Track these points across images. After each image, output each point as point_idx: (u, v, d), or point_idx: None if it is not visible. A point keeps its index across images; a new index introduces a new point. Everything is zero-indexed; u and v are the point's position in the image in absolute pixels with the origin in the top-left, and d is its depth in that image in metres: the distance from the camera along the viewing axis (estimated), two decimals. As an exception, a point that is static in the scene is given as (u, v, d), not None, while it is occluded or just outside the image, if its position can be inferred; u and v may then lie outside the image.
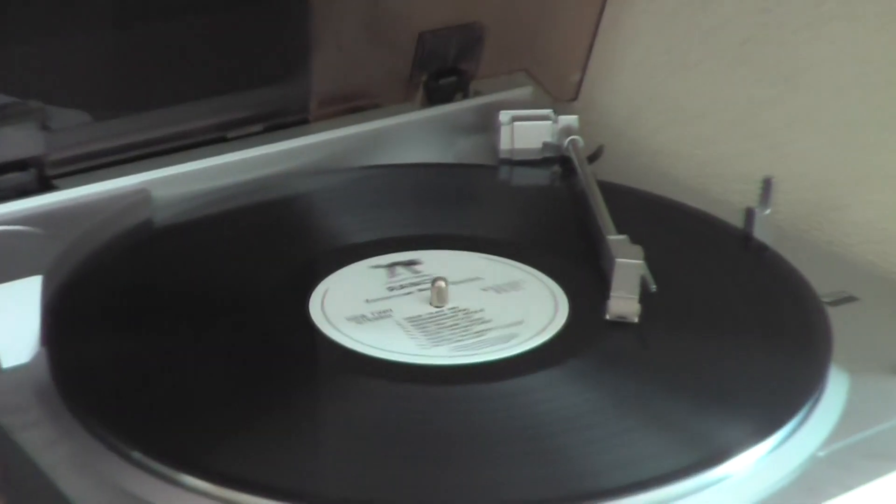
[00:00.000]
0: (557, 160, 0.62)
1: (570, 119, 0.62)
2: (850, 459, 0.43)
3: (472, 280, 0.52)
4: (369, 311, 0.48)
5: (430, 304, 0.50)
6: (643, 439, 0.43)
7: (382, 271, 0.51)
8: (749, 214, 0.55)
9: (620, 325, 0.49)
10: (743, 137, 0.63)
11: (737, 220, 0.56)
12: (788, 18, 0.60)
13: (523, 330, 0.48)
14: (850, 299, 0.51)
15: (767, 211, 0.54)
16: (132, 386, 0.45)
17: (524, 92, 0.67)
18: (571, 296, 0.51)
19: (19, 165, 0.54)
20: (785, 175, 0.59)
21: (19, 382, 0.45)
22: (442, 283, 0.50)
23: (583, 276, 0.52)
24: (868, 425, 0.44)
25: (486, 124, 0.65)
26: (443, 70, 0.65)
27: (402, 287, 0.50)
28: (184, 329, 0.48)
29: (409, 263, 0.51)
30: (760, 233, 0.55)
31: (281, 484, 0.40)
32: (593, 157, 0.62)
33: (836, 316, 0.49)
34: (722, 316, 0.50)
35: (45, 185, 0.55)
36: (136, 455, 0.41)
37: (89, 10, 0.54)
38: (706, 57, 0.64)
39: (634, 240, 0.51)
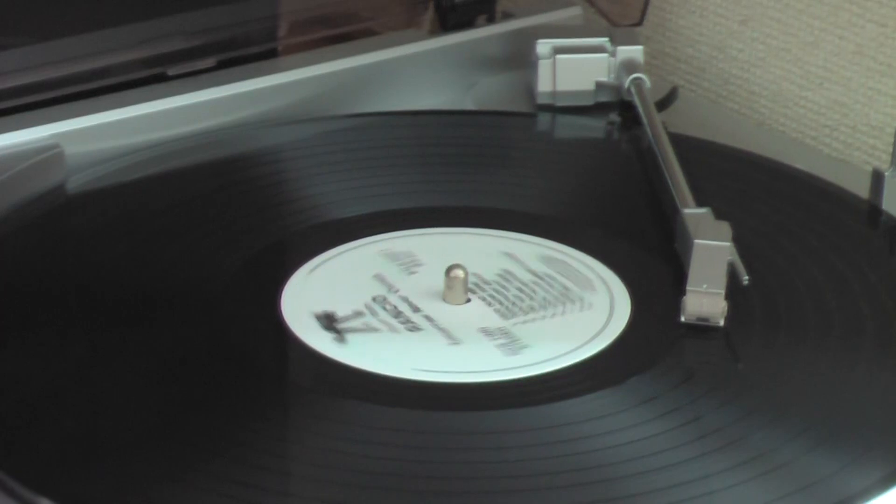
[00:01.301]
0: (615, 106, 0.62)
1: (632, 51, 0.62)
2: None
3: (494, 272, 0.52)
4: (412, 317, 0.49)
5: (444, 299, 0.50)
6: (736, 487, 0.42)
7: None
8: (878, 179, 0.55)
9: (701, 329, 0.49)
10: (871, 73, 0.63)
11: (862, 188, 0.56)
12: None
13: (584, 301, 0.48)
14: None
15: (904, 175, 0.55)
16: (36, 411, 0.45)
17: (571, 13, 0.67)
18: (634, 290, 0.51)
19: None
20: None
21: None
22: (460, 273, 0.50)
23: (649, 264, 0.52)
24: None
25: (519, 58, 0.65)
26: (460, -16, 0.65)
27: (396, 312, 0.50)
28: (109, 334, 0.48)
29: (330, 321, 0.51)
30: (894, 204, 0.54)
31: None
32: (665, 103, 0.62)
33: None
34: (841, 319, 0.50)
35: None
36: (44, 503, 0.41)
37: None
38: (819, -35, 0.64)
39: (720, 214, 0.51)
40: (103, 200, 0.55)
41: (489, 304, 0.50)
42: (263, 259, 0.52)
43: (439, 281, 0.50)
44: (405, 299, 0.50)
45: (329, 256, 0.52)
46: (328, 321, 0.47)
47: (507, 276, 0.51)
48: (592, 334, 0.48)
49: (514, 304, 0.50)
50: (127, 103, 0.59)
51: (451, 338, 0.48)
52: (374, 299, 0.50)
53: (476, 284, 0.50)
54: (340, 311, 0.48)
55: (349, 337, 0.47)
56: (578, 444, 0.44)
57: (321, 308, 0.49)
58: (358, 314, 0.48)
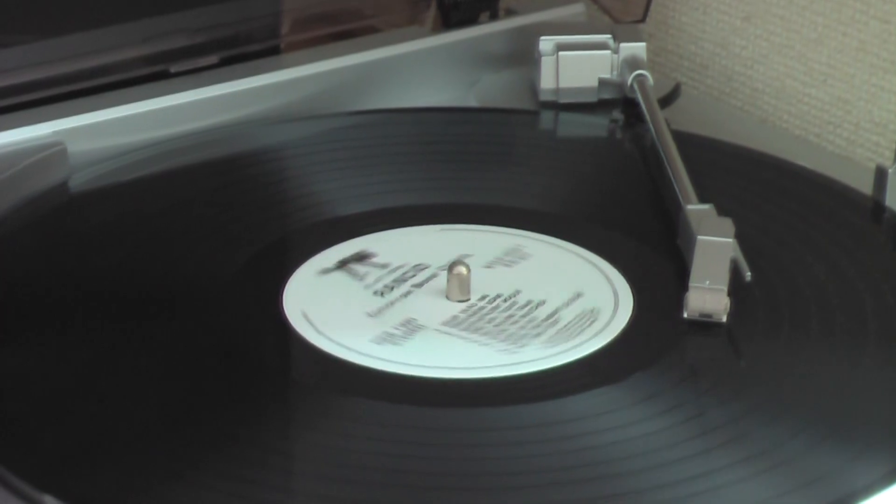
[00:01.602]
0: (618, 103, 0.62)
1: (635, 48, 0.62)
2: None
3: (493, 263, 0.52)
4: (390, 326, 0.48)
5: (448, 297, 0.50)
6: (738, 483, 0.42)
7: (340, 276, 0.51)
8: (881, 175, 0.55)
9: (704, 326, 0.48)
10: (875, 70, 0.63)
11: (865, 184, 0.56)
12: None
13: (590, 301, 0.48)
14: None
15: (907, 171, 0.55)
16: (40, 410, 0.45)
17: (574, 10, 0.67)
18: (636, 286, 0.50)
19: None
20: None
21: None
22: (463, 269, 0.50)
23: (652, 260, 0.52)
24: None
25: (521, 55, 0.64)
26: (463, -20, 0.65)
27: (388, 287, 0.50)
28: (111, 332, 0.48)
29: (361, 258, 0.51)
30: (896, 200, 0.55)
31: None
32: (668, 100, 0.62)
33: None
34: (843, 315, 0.50)
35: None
36: (49, 501, 0.41)
37: None
38: (822, -39, 0.64)
39: (723, 211, 0.51)
40: (106, 198, 0.55)
41: (491, 301, 0.50)
42: (266, 257, 0.52)
43: (441, 279, 0.50)
44: (410, 290, 0.50)
45: (332, 254, 0.52)
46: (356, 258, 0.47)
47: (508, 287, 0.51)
48: (595, 331, 0.48)
49: (509, 313, 0.50)
50: (129, 101, 0.59)
51: (455, 334, 0.48)
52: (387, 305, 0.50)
53: (478, 283, 0.50)
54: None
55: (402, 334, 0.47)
56: (581, 441, 0.44)
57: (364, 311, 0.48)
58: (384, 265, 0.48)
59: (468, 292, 0.50)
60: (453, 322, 0.49)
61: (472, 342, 0.47)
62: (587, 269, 0.52)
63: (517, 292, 0.50)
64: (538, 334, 0.48)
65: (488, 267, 0.51)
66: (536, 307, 0.49)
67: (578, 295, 0.50)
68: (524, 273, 0.51)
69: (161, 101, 0.59)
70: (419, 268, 0.51)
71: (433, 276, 0.51)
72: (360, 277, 0.50)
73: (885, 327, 0.49)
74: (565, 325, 0.48)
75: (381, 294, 0.50)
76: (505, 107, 0.63)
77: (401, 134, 0.60)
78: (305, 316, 0.49)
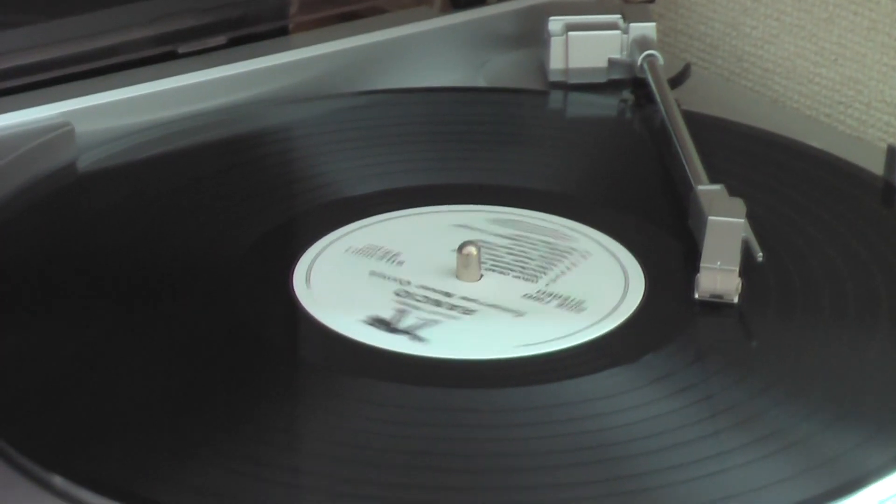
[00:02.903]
0: (628, 83, 0.62)
1: (645, 28, 0.62)
2: None
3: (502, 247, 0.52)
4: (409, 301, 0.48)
5: (458, 278, 0.50)
6: (750, 465, 0.42)
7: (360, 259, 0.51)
8: (892, 155, 0.55)
9: (715, 306, 0.48)
10: (886, 49, 0.62)
11: (876, 165, 0.55)
12: None
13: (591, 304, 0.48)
14: None
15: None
16: (48, 390, 0.45)
17: (583, -10, 0.67)
18: (647, 267, 0.50)
19: None
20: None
21: None
22: (472, 249, 0.49)
23: (663, 241, 0.52)
24: None
25: (531, 35, 0.64)
26: (471, -40, 0.65)
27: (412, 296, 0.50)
28: (119, 313, 0.48)
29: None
30: (908, 181, 0.55)
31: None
32: (677, 80, 0.62)
33: None
34: (855, 296, 0.49)
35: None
36: (58, 481, 0.41)
37: None
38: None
39: (734, 191, 0.51)
40: (114, 179, 0.55)
41: (505, 274, 0.50)
42: (275, 237, 0.52)
43: (449, 260, 0.50)
44: (425, 287, 0.49)
45: (341, 234, 0.52)
46: (388, 327, 0.47)
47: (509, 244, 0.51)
48: (606, 312, 0.48)
49: (525, 268, 0.50)
50: (137, 81, 0.59)
51: (510, 310, 0.48)
52: (397, 294, 0.49)
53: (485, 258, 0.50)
54: (384, 314, 0.48)
55: (421, 334, 0.47)
56: (592, 422, 0.44)
57: (365, 315, 0.48)
58: (402, 312, 0.48)
59: (478, 272, 0.50)
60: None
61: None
62: (597, 251, 0.51)
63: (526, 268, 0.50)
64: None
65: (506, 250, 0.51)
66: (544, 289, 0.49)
67: (585, 286, 0.50)
68: (538, 257, 0.51)
69: (169, 81, 0.59)
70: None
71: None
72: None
73: (898, 308, 0.49)
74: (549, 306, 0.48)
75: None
76: (514, 87, 0.63)
77: (409, 114, 0.60)
78: (312, 289, 0.49)
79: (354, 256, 0.51)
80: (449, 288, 0.49)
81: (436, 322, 0.47)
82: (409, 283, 0.49)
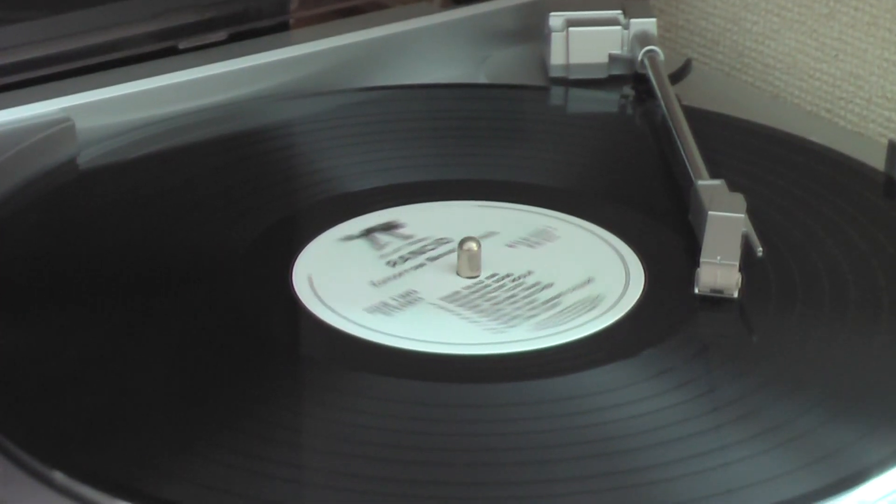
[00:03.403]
0: (629, 79, 0.62)
1: (646, 23, 0.62)
2: None
3: (500, 238, 0.52)
4: (388, 296, 0.48)
5: (458, 273, 0.50)
6: (750, 459, 0.42)
7: (361, 243, 0.51)
8: (893, 151, 0.55)
9: (715, 301, 0.48)
10: (887, 44, 0.62)
11: (877, 160, 0.55)
12: None
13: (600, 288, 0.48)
14: None
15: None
16: (49, 386, 0.45)
17: (583, -14, 0.67)
18: (648, 262, 0.50)
19: None
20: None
21: None
22: (473, 246, 0.49)
23: (663, 236, 0.52)
24: None
25: (531, 31, 0.64)
26: (472, -45, 0.65)
27: (403, 259, 0.50)
28: (120, 309, 0.48)
29: (388, 228, 0.51)
30: (909, 176, 0.55)
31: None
32: (678, 76, 0.62)
33: None
34: (856, 290, 0.49)
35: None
36: (59, 477, 0.41)
37: None
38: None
39: (734, 186, 0.51)
40: (114, 175, 0.55)
41: (498, 280, 0.50)
42: (276, 233, 0.52)
43: (452, 255, 0.50)
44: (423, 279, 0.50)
45: (342, 230, 0.52)
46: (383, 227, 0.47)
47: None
48: (607, 306, 0.48)
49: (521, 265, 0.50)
50: (138, 77, 0.59)
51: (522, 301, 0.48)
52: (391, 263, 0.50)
53: (488, 261, 0.50)
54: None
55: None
56: (593, 416, 0.44)
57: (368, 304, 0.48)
58: (407, 237, 0.48)
59: (478, 269, 0.50)
60: (452, 297, 0.48)
61: (463, 319, 0.47)
62: (598, 246, 0.51)
63: (529, 273, 0.50)
64: (532, 316, 0.47)
65: (510, 245, 0.51)
66: (542, 289, 0.49)
67: (589, 280, 0.49)
68: (540, 252, 0.51)
69: (169, 77, 0.59)
70: (441, 241, 0.51)
71: (451, 251, 0.50)
72: (380, 247, 0.50)
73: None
74: (562, 310, 0.48)
75: (393, 265, 0.50)
76: (515, 83, 0.63)
77: (410, 110, 0.60)
78: (312, 284, 0.49)
79: (354, 249, 0.51)
80: (441, 281, 0.49)
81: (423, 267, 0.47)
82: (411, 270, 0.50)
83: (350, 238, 0.51)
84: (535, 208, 0.53)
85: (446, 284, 0.49)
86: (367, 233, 0.50)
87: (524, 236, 0.52)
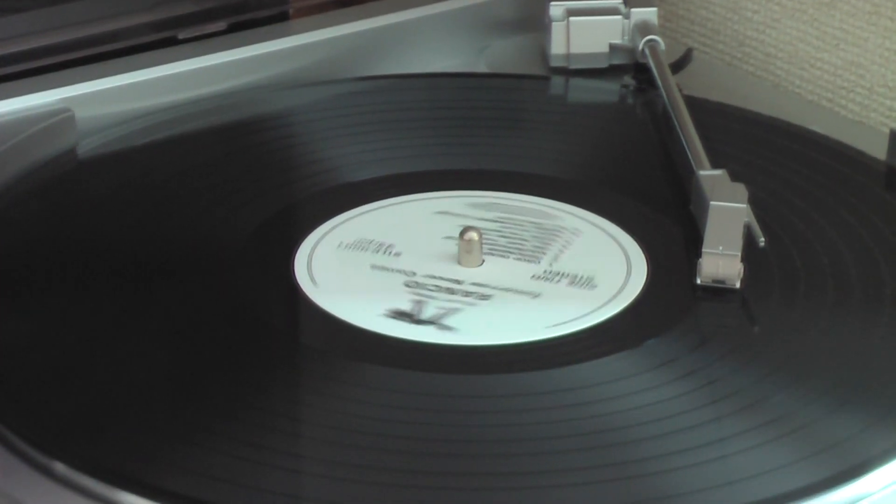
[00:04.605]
0: (630, 69, 0.62)
1: (646, 13, 0.62)
2: None
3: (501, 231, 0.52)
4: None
5: (459, 263, 0.49)
6: (753, 450, 0.42)
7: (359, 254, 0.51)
8: (894, 140, 0.55)
9: (717, 292, 0.48)
10: (888, 33, 0.62)
11: (879, 149, 0.55)
12: None
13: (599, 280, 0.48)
14: None
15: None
16: (49, 376, 0.45)
17: (584, -25, 0.67)
18: (650, 253, 0.50)
19: None
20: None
21: None
22: (474, 235, 0.49)
23: (665, 226, 0.52)
24: None
25: (532, 20, 0.64)
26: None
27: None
28: (120, 298, 0.48)
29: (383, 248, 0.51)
30: (911, 166, 0.54)
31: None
32: (679, 65, 0.62)
33: None
34: (858, 280, 0.49)
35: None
36: (59, 467, 0.41)
37: None
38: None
39: (736, 176, 0.51)
40: (114, 164, 0.55)
41: (506, 258, 0.49)
42: (276, 223, 0.52)
43: (450, 246, 0.50)
44: (433, 276, 0.49)
45: (342, 220, 0.52)
46: (411, 319, 0.47)
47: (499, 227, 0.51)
48: (609, 297, 0.48)
49: (524, 249, 0.49)
50: (138, 67, 0.59)
51: (527, 293, 0.48)
52: (407, 285, 0.49)
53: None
54: (404, 306, 0.47)
55: (447, 322, 0.47)
56: (595, 407, 0.44)
57: (386, 308, 0.47)
58: (420, 303, 0.48)
59: (480, 258, 0.50)
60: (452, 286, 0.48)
61: (468, 306, 0.47)
62: (599, 237, 0.51)
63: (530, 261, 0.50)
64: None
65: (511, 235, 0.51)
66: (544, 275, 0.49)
67: (590, 276, 0.49)
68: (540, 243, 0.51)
69: (169, 67, 0.59)
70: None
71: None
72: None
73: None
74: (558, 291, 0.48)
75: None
76: (515, 73, 0.63)
77: (410, 100, 0.60)
78: (312, 273, 0.48)
79: (355, 238, 0.51)
80: (456, 275, 0.49)
81: (456, 310, 0.47)
82: (414, 273, 0.49)
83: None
84: (535, 198, 0.53)
85: (447, 273, 0.49)
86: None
87: (526, 226, 0.52)
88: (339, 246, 0.51)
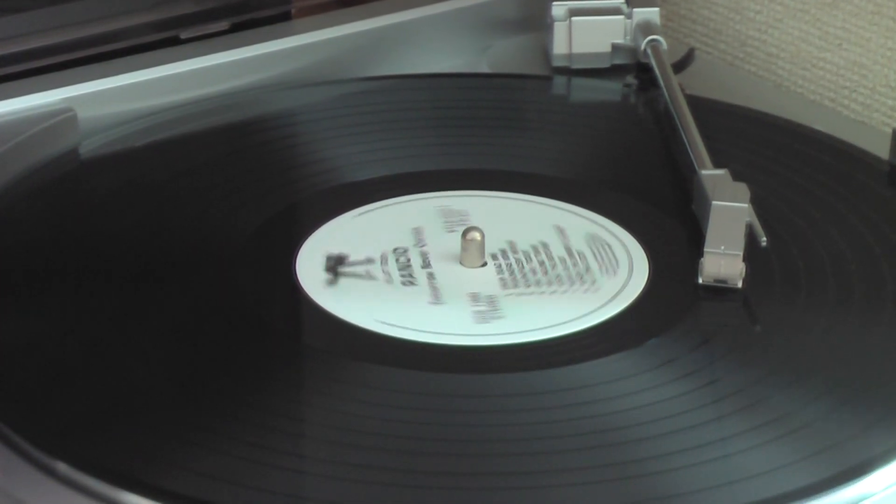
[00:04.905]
0: (632, 68, 0.62)
1: (649, 13, 0.62)
2: None
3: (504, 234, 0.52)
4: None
5: (462, 263, 0.50)
6: (754, 450, 0.42)
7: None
8: (897, 140, 0.55)
9: (719, 291, 0.48)
10: (890, 33, 0.62)
11: (881, 149, 0.55)
12: None
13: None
14: None
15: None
16: (51, 376, 0.45)
17: (586, -25, 0.67)
18: (651, 252, 0.50)
19: None
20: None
21: None
22: (476, 235, 0.49)
23: (667, 226, 0.52)
24: None
25: (534, 20, 0.64)
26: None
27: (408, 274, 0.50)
28: (122, 298, 0.48)
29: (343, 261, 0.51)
30: (913, 165, 0.54)
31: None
32: (681, 65, 0.62)
33: None
34: (860, 280, 0.49)
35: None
36: (61, 467, 0.41)
37: None
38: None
39: (738, 176, 0.51)
40: (116, 165, 0.55)
41: (500, 273, 0.49)
42: (278, 223, 0.52)
43: (453, 246, 0.50)
44: (425, 255, 0.49)
45: (344, 220, 0.52)
46: (336, 261, 0.47)
47: (539, 248, 0.51)
48: (610, 296, 0.48)
49: (524, 276, 0.49)
50: (140, 67, 0.59)
51: (528, 292, 0.48)
52: (394, 250, 0.49)
53: (502, 251, 0.50)
54: (353, 256, 0.48)
55: (342, 280, 0.47)
56: (597, 407, 0.44)
57: (335, 250, 0.48)
58: (369, 260, 0.48)
59: (482, 258, 0.50)
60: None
61: (459, 309, 0.47)
62: (601, 236, 0.51)
63: (530, 258, 0.50)
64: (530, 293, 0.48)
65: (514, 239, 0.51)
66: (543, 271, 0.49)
67: (590, 277, 0.49)
68: (541, 242, 0.51)
69: (171, 67, 0.59)
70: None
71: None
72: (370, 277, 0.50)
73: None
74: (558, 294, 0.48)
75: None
76: (517, 72, 0.63)
77: (412, 100, 0.60)
78: (315, 272, 0.48)
79: (356, 238, 0.51)
80: (456, 275, 0.49)
81: (371, 279, 0.47)
82: (414, 273, 0.49)
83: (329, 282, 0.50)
84: (537, 198, 0.53)
85: (448, 273, 0.49)
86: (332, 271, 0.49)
87: (530, 227, 0.52)
88: (339, 246, 0.51)
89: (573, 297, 0.48)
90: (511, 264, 0.50)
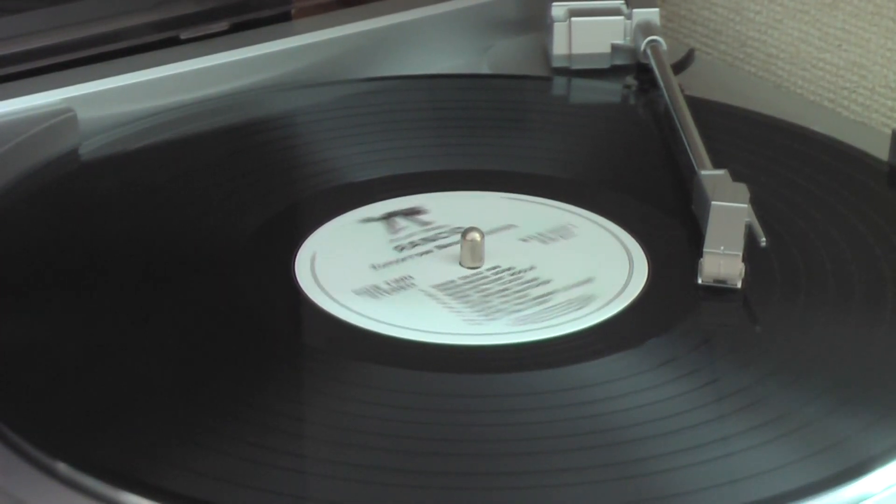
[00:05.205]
0: (632, 69, 0.62)
1: (648, 13, 0.62)
2: None
3: (509, 230, 0.51)
4: (382, 280, 0.48)
5: (461, 263, 0.49)
6: (754, 449, 0.42)
7: (379, 226, 0.51)
8: (897, 141, 0.55)
9: (719, 291, 0.48)
10: (890, 34, 0.62)
11: (881, 150, 0.55)
12: None
13: (597, 290, 0.48)
14: None
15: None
16: (52, 377, 0.45)
17: (586, -24, 0.67)
18: (651, 252, 0.50)
19: None
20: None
21: None
22: (476, 236, 0.49)
23: (667, 226, 0.52)
24: None
25: (534, 21, 0.64)
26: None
27: (412, 245, 0.50)
28: (122, 299, 0.48)
29: (411, 213, 0.51)
30: (913, 166, 0.54)
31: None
32: (681, 66, 0.62)
33: None
34: (859, 280, 0.49)
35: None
36: (62, 467, 0.41)
37: None
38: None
39: (737, 176, 0.51)
40: (116, 165, 0.55)
41: (499, 273, 0.49)
42: (278, 223, 0.52)
43: (452, 246, 0.50)
44: (425, 255, 0.50)
45: (344, 220, 0.52)
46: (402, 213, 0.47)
47: (539, 247, 0.51)
48: (610, 296, 0.48)
49: (523, 276, 0.49)
50: (140, 67, 0.59)
51: (528, 292, 0.48)
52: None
53: (502, 252, 0.50)
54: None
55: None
56: (597, 407, 0.44)
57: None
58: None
59: (481, 259, 0.50)
60: (444, 286, 0.48)
61: (448, 308, 0.47)
62: (601, 236, 0.51)
63: (531, 267, 0.50)
64: (517, 311, 0.47)
65: (524, 240, 0.51)
66: (537, 285, 0.49)
67: (589, 279, 0.49)
68: (547, 248, 0.51)
69: (171, 67, 0.59)
70: (456, 230, 0.51)
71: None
72: (395, 231, 0.50)
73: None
74: (550, 307, 0.48)
75: (400, 249, 0.50)
76: (517, 73, 0.63)
77: (413, 100, 0.60)
78: (314, 273, 0.49)
79: (357, 238, 0.51)
80: (457, 275, 0.49)
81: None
82: (415, 273, 0.49)
83: (370, 220, 0.51)
84: (537, 198, 0.53)
85: (444, 273, 0.49)
86: (389, 216, 0.50)
87: (535, 229, 0.52)
88: (340, 245, 0.51)
89: (573, 297, 0.48)
90: (511, 264, 0.50)
